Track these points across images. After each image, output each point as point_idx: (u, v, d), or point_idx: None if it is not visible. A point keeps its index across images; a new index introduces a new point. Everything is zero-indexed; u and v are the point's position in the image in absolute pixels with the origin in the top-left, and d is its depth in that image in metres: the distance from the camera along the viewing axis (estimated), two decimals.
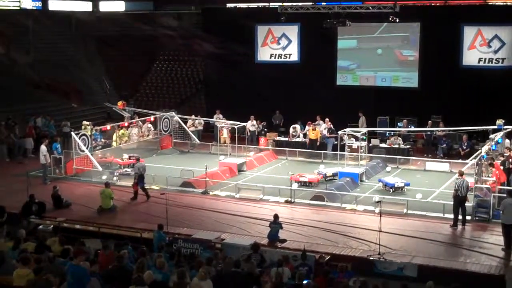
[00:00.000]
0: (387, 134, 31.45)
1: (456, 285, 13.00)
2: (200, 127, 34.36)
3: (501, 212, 18.82)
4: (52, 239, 16.01)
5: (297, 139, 32.30)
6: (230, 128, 31.34)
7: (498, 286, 15.03)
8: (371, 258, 17.54)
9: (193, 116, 34.53)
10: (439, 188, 23.61)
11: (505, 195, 19.77)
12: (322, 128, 31.52)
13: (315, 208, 22.65)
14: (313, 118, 32.06)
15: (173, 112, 34.30)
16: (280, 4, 32.96)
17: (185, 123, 33.86)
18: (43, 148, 26.69)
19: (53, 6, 40.11)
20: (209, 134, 34.55)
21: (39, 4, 39.57)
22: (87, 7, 42.50)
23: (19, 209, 21.24)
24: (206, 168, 25.21)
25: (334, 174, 26.41)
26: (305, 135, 32.08)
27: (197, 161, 29.41)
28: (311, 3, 33.43)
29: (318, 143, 31.02)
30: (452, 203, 20.56)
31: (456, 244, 19.13)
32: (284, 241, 18.92)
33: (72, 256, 13.14)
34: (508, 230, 18.28)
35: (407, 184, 24.41)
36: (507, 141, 25.88)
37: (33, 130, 32.60)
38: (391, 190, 24.15)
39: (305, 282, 13.10)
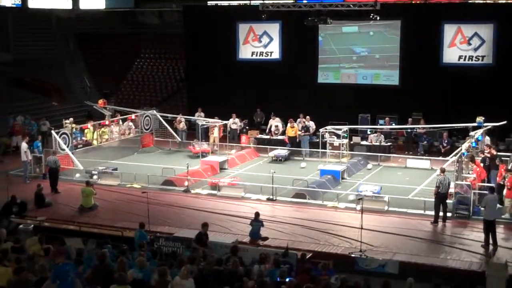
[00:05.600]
0: (368, 132, 31.56)
1: (437, 282, 13.06)
2: (185, 128, 34.13)
3: (483, 208, 18.96)
4: (32, 239, 15.90)
5: (279, 137, 32.27)
6: (222, 127, 31.27)
7: (478, 282, 15.12)
8: (353, 255, 17.59)
9: (180, 114, 34.41)
10: (419, 185, 23.70)
11: (485, 191, 19.92)
12: (299, 125, 31.60)
13: (297, 206, 22.68)
14: (294, 116, 32.04)
15: (154, 110, 34.19)
16: (262, 2, 32.91)
17: (167, 121, 33.74)
18: (24, 145, 26.54)
19: (32, 3, 39.75)
20: (190, 132, 34.43)
21: (18, 1, 39.19)
22: (67, 4, 42.13)
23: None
24: (187, 167, 25.15)
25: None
26: (284, 133, 32.13)
27: (178, 160, 29.36)
28: (292, 1, 33.42)
29: (297, 140, 31.08)
30: (433, 200, 20.71)
31: (437, 240, 19.25)
32: (265, 239, 18.92)
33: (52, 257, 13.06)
34: (490, 226, 18.42)
35: (378, 192, 23.23)
36: (487, 138, 26.08)
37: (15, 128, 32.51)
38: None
39: (287, 279, 13.11)
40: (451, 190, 20.99)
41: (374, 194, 23.08)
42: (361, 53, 34.48)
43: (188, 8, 39.66)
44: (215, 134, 31.61)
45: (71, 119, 31.21)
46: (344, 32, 34.72)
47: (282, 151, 30.03)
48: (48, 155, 26.14)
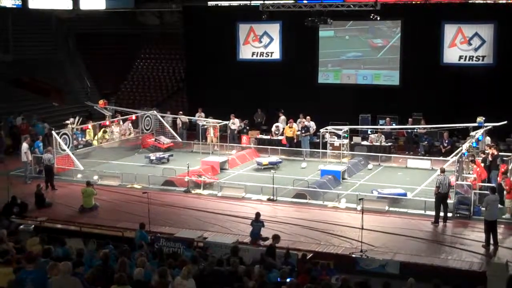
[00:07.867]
0: (368, 132, 31.56)
1: (437, 282, 13.05)
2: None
3: (484, 208, 18.95)
4: (32, 239, 15.88)
5: (279, 137, 32.24)
6: (218, 127, 31.21)
7: (479, 282, 15.11)
8: (353, 255, 17.60)
9: (181, 113, 34.64)
10: (420, 186, 23.70)
11: (485, 191, 19.92)
12: (299, 126, 31.59)
13: (297, 206, 22.68)
14: (294, 116, 32.05)
15: (154, 111, 34.19)
16: (262, 2, 32.93)
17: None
18: (24, 145, 26.55)
19: (33, 4, 39.68)
20: (191, 132, 34.44)
21: (18, 2, 39.18)
22: (68, 5, 42.05)
23: (0, 209, 21.09)
24: (188, 167, 25.14)
25: (272, 163, 27.77)
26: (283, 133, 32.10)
27: (179, 160, 29.34)
28: (292, 1, 33.43)
29: (295, 141, 31.06)
30: (433, 200, 20.71)
31: (438, 241, 19.25)
32: (266, 239, 18.88)
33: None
34: (491, 227, 18.42)
35: (404, 194, 23.02)
36: (488, 138, 26.08)
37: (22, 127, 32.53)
38: None
39: (288, 280, 13.09)
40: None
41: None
42: (339, 57, 34.92)
43: (188, 9, 39.65)
44: (211, 134, 31.60)
45: (77, 117, 31.20)
46: (321, 37, 34.90)
47: (273, 158, 29.14)
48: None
